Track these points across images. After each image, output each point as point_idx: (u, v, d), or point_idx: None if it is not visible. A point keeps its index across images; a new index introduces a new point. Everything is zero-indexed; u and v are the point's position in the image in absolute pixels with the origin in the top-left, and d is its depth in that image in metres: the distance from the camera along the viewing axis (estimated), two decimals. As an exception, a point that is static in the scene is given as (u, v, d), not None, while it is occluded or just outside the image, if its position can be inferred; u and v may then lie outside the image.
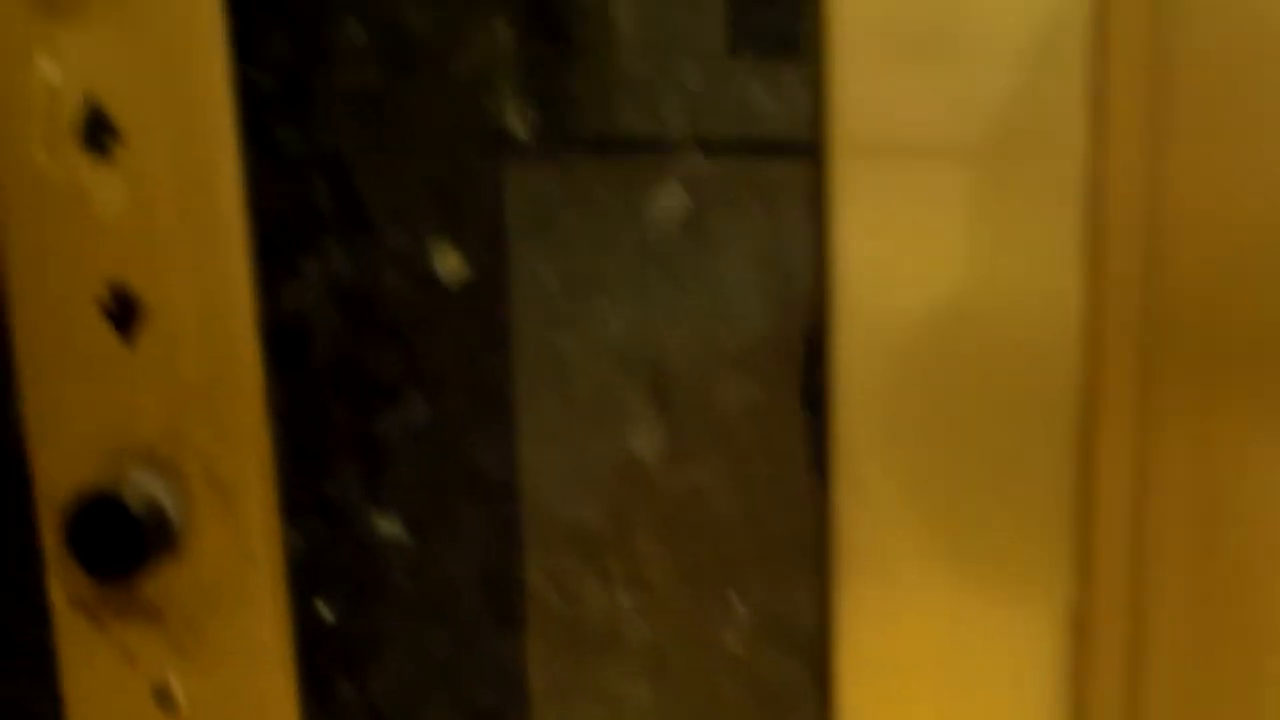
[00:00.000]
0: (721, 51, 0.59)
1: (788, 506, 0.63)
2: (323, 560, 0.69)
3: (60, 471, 0.69)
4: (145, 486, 0.68)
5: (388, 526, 0.68)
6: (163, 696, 0.70)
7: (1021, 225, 0.58)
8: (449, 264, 0.64)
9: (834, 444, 0.61)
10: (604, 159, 0.61)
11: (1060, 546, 0.60)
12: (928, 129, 0.58)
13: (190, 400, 0.67)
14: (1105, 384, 0.58)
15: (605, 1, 0.60)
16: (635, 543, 0.65)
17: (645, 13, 0.59)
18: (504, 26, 0.61)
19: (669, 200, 0.61)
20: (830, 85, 0.58)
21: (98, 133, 0.64)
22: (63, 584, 0.71)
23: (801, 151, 0.59)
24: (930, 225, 0.58)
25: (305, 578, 0.69)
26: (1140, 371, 0.58)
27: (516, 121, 0.61)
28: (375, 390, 0.66)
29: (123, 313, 0.66)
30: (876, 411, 0.61)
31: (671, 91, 0.60)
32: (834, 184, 0.59)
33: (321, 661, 0.69)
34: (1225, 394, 0.58)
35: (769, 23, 0.59)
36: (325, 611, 0.69)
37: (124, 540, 0.67)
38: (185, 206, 0.64)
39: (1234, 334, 0.57)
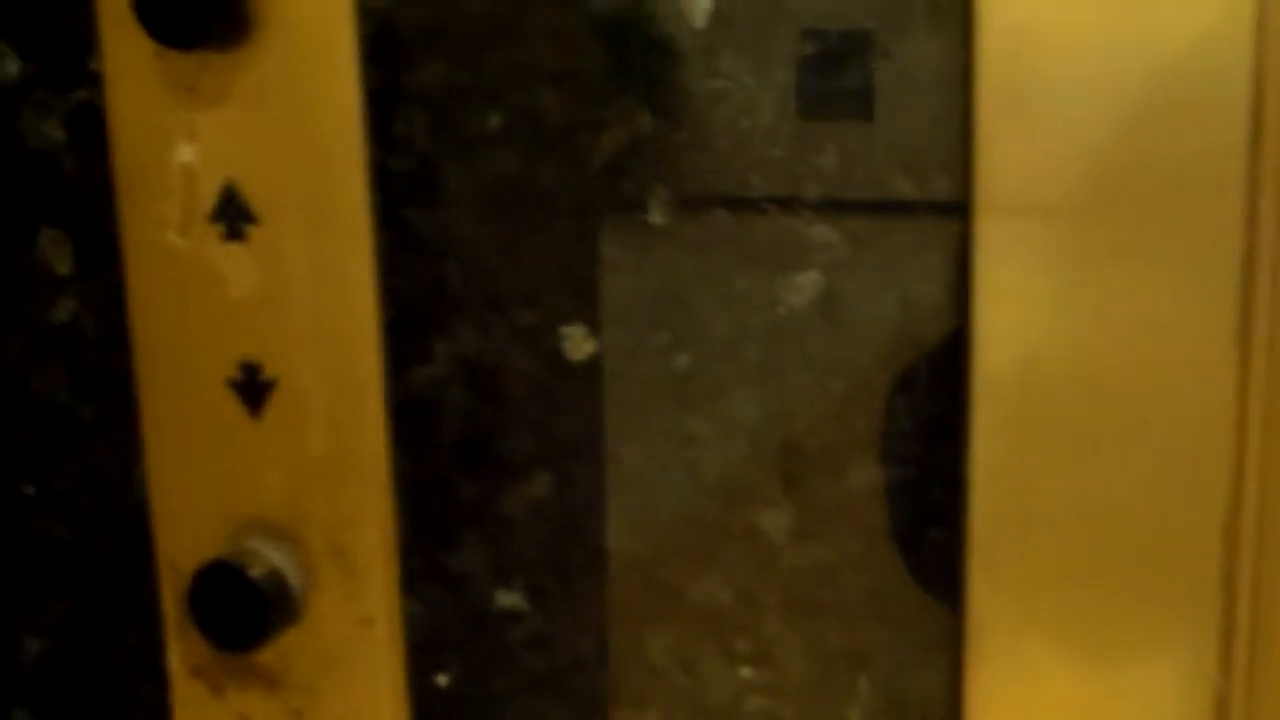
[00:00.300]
0: (861, 125, 0.60)
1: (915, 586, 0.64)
2: (442, 630, 0.69)
3: (184, 541, 0.70)
4: (268, 557, 0.69)
5: (508, 599, 0.69)
6: (282, 764, 0.71)
7: (1173, 292, 0.59)
8: (578, 344, 0.65)
9: (968, 523, 0.62)
10: (736, 240, 0.62)
11: (1204, 631, 0.61)
12: (1072, 188, 0.58)
13: (315, 473, 0.68)
14: (1254, 463, 0.59)
15: (739, 87, 0.60)
16: (761, 621, 0.66)
17: (780, 98, 0.60)
18: (638, 111, 0.62)
19: (802, 280, 0.62)
20: (975, 145, 0.59)
21: (233, 214, 0.65)
22: (182, 652, 0.72)
23: (937, 213, 0.60)
24: (1074, 291, 0.59)
25: (424, 647, 0.70)
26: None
27: (651, 204, 0.62)
28: (501, 466, 0.67)
29: (252, 388, 0.67)
30: (1012, 491, 0.61)
31: (805, 170, 0.61)
32: (978, 246, 0.59)
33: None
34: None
35: (874, 88, 0.59)
36: (442, 681, 0.70)
37: (246, 610, 0.68)
38: (317, 286, 0.65)
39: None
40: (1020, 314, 0.60)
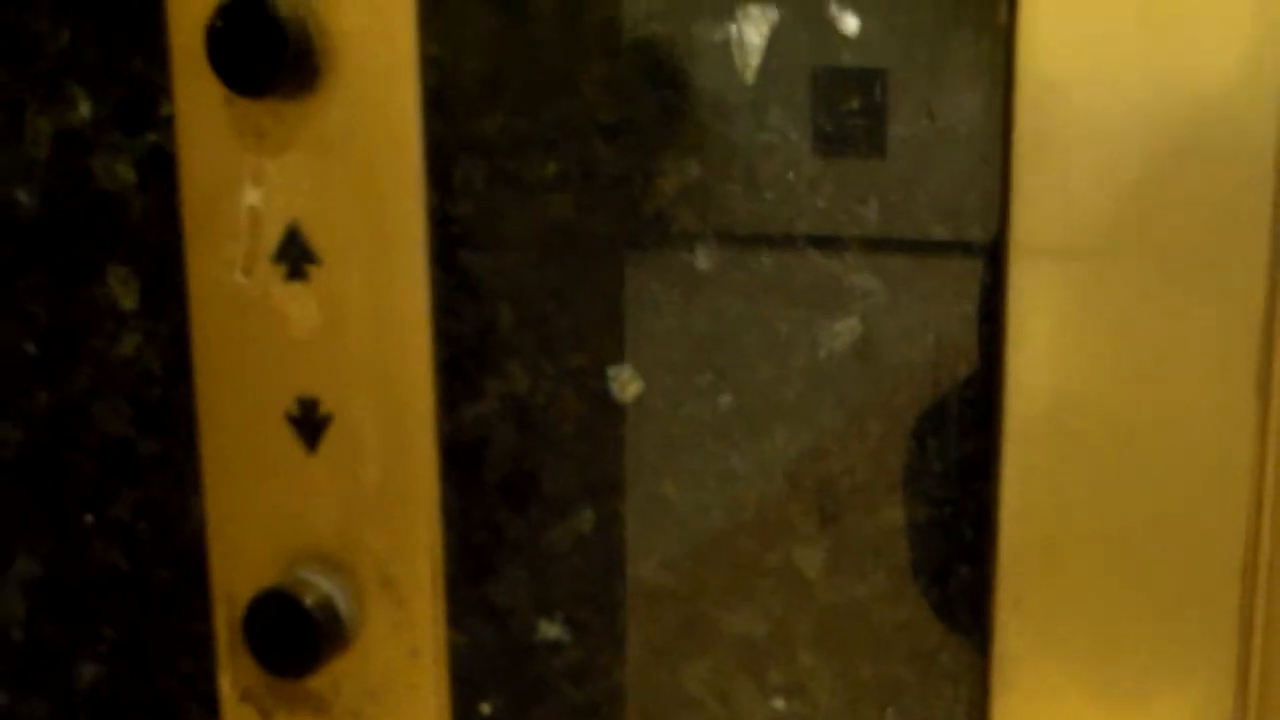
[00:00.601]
0: (899, 168, 0.63)
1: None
2: (485, 660, 0.72)
3: (238, 570, 0.73)
4: (320, 586, 0.72)
5: (550, 630, 0.71)
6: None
7: (1195, 338, 0.62)
8: (624, 384, 0.68)
9: (996, 561, 0.64)
10: (779, 286, 0.65)
11: (1222, 668, 0.63)
12: (1101, 232, 0.61)
13: (367, 506, 0.71)
14: (1271, 507, 0.62)
15: (785, 140, 0.64)
16: (794, 654, 0.68)
17: (823, 147, 0.63)
18: (687, 160, 0.65)
19: (841, 325, 0.65)
20: (1011, 187, 0.61)
21: (295, 255, 0.68)
22: (233, 677, 0.74)
23: (971, 255, 0.63)
24: (1100, 334, 0.62)
25: (468, 677, 0.72)
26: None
27: (697, 249, 0.65)
28: (546, 502, 0.70)
29: (309, 423, 0.70)
30: (1038, 529, 0.64)
31: (847, 218, 0.64)
32: (1010, 288, 0.63)
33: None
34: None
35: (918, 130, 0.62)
36: (486, 709, 0.73)
37: (299, 637, 0.71)
38: (375, 325, 0.68)
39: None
40: (1049, 356, 0.63)
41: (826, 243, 0.64)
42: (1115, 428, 0.63)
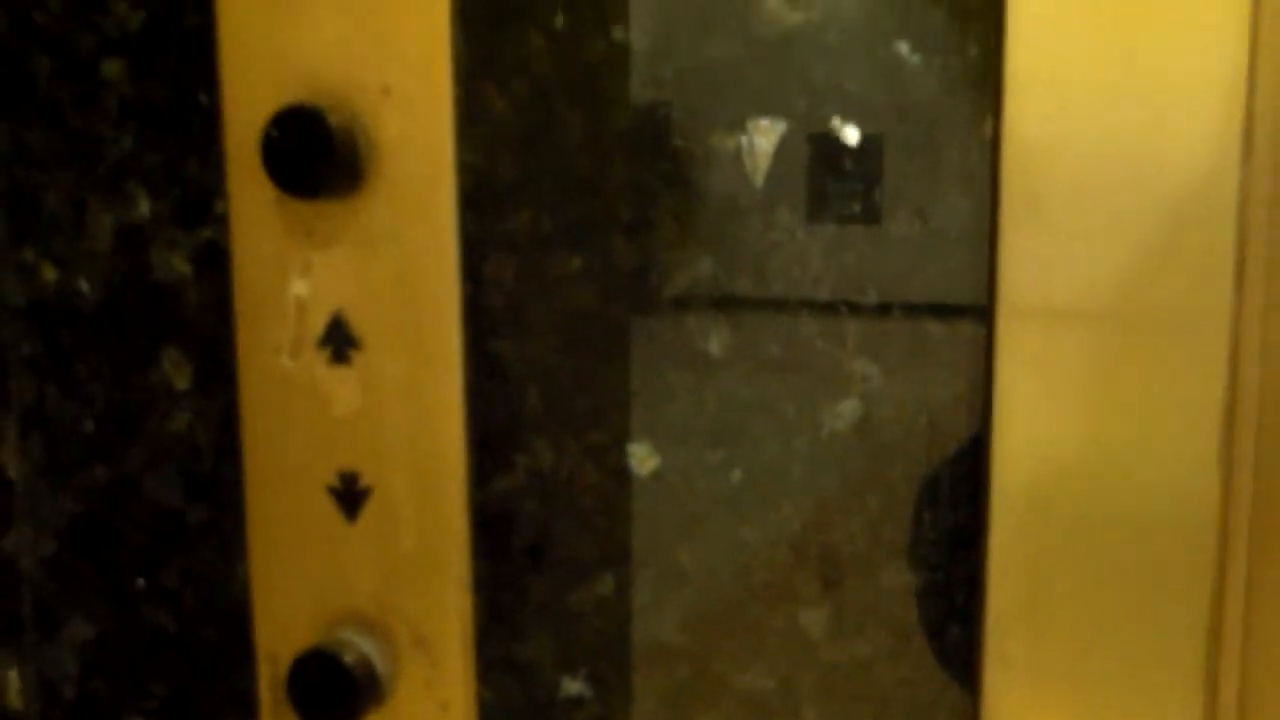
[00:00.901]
0: (896, 247, 0.70)
1: (942, 678, 0.73)
2: (512, 715, 0.78)
3: (281, 632, 0.79)
4: (358, 646, 0.78)
5: (572, 687, 0.77)
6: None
7: (1167, 391, 0.67)
8: (642, 460, 0.74)
9: (984, 620, 0.71)
10: (786, 371, 0.72)
11: (1191, 711, 0.69)
12: (1081, 293, 0.67)
13: (403, 572, 0.77)
14: (1234, 560, 0.68)
15: (791, 239, 0.70)
16: (800, 709, 0.75)
17: (827, 247, 0.70)
18: (701, 256, 0.71)
19: (843, 407, 0.71)
20: (997, 251, 0.67)
21: (339, 341, 0.74)
22: (274, 732, 0.80)
23: (965, 319, 0.69)
24: (1077, 400, 0.68)
25: (494, 730, 0.78)
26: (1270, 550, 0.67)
27: (711, 337, 0.72)
28: (569, 568, 0.76)
29: (349, 495, 0.76)
30: (1025, 582, 0.70)
31: (849, 310, 0.70)
32: (999, 347, 0.68)
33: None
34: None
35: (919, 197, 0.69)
36: (510, 760, 0.79)
37: (339, 693, 0.77)
38: (412, 405, 0.74)
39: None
40: (1033, 421, 0.69)
41: (829, 331, 0.71)
42: (1091, 495, 0.69)
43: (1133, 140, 0.66)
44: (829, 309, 0.70)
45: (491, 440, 0.74)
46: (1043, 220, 0.68)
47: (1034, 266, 0.68)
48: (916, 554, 0.71)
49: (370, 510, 0.75)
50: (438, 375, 0.74)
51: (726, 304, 0.71)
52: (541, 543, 0.75)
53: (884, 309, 0.69)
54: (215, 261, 0.74)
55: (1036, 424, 0.69)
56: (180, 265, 0.75)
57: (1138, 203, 0.66)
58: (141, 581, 0.80)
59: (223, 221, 0.74)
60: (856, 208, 0.68)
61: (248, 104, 0.73)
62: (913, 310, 0.69)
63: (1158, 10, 0.65)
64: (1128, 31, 0.65)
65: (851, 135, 0.68)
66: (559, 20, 0.70)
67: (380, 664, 0.77)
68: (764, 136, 0.69)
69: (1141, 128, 0.66)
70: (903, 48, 0.67)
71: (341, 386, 0.74)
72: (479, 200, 0.72)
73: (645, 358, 0.72)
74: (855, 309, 0.69)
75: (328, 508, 0.76)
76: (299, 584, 0.77)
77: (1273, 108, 0.65)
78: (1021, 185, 0.67)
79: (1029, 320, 0.68)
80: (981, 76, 0.67)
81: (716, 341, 0.71)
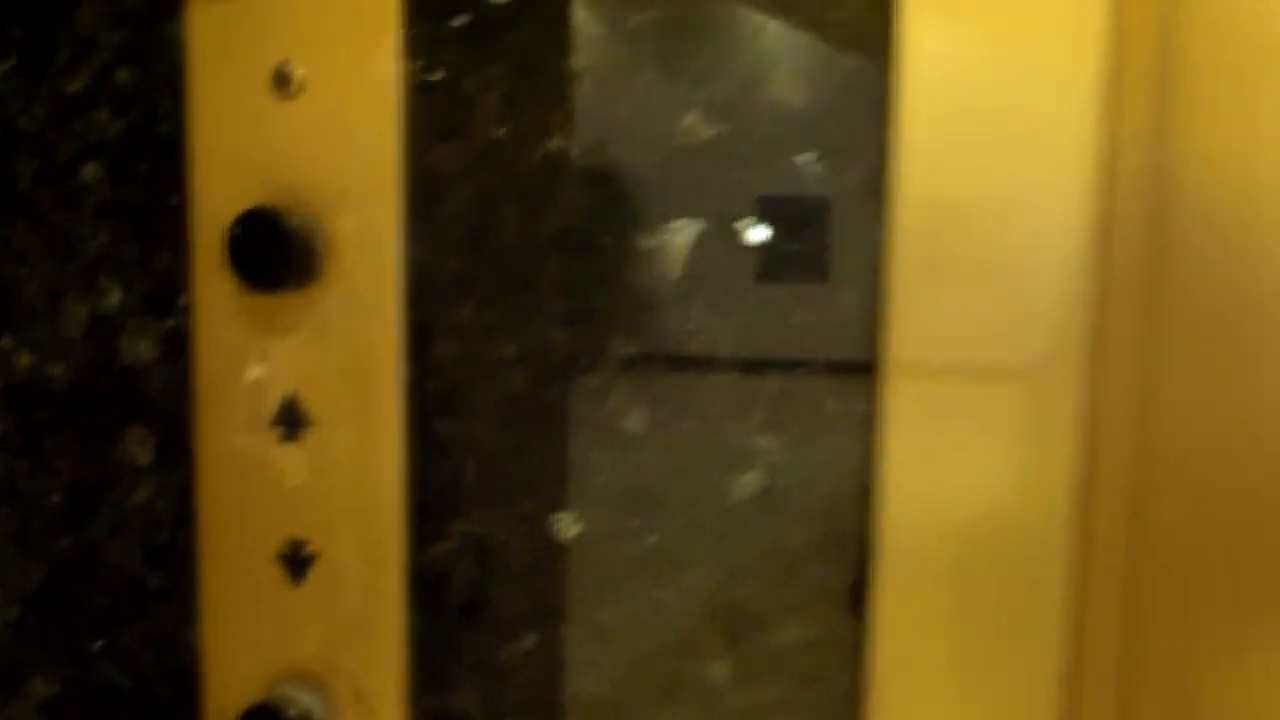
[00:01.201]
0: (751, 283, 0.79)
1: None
2: (443, 763, 0.86)
3: (229, 687, 0.86)
4: (301, 701, 0.86)
5: (500, 735, 0.85)
6: None
7: (1029, 443, 0.73)
8: (567, 527, 0.83)
9: (875, 641, 0.79)
10: (697, 444, 0.81)
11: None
12: (959, 348, 0.74)
13: (345, 631, 0.85)
14: (1092, 591, 0.76)
15: (704, 327, 0.80)
16: (711, 751, 0.83)
17: (740, 331, 0.80)
18: (627, 344, 0.81)
19: (747, 478, 0.81)
20: (886, 310, 0.75)
21: (291, 420, 0.82)
22: (221, 783, 0.87)
23: (851, 372, 0.78)
24: (957, 440, 0.74)
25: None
26: (1123, 585, 0.75)
27: (632, 415, 0.81)
28: (500, 626, 0.84)
29: (296, 561, 0.84)
30: (907, 637, 0.79)
31: (754, 389, 0.80)
32: (887, 403, 0.75)
33: None
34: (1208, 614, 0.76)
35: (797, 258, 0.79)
36: (442, 806, 0.86)
37: (283, 746, 0.84)
38: (357, 479, 0.83)
39: (1216, 570, 0.74)
40: (917, 478, 0.77)
41: (736, 407, 0.80)
42: (958, 547, 0.77)
43: (1007, 204, 0.73)
44: (738, 388, 0.79)
45: (431, 509, 0.82)
46: (928, 282, 0.75)
47: (919, 326, 0.75)
48: (814, 609, 0.81)
49: (316, 574, 0.83)
50: (382, 450, 0.82)
51: (647, 386, 0.80)
52: (474, 602, 0.83)
53: (787, 382, 0.79)
54: (179, 348, 0.82)
55: (920, 481, 0.77)
56: (146, 351, 0.83)
57: (1011, 261, 0.73)
58: (100, 643, 0.86)
59: (187, 312, 0.82)
60: (765, 297, 0.78)
61: (214, 205, 0.81)
62: (814, 380, 0.79)
63: (1026, 91, 0.73)
64: (1002, 113, 0.73)
65: (760, 233, 0.78)
66: (501, 132, 0.79)
67: (322, 717, 0.84)
68: (681, 235, 0.79)
69: (1014, 193, 0.73)
70: (804, 157, 0.77)
71: (292, 461, 0.82)
72: (425, 292, 0.80)
73: (571, 435, 0.81)
74: (760, 387, 0.79)
75: (276, 572, 0.83)
76: (247, 643, 0.85)
77: (1136, 170, 0.73)
78: (910, 252, 0.75)
79: (913, 379, 0.76)
80: (873, 174, 0.77)
81: (637, 420, 0.80)
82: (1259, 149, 0.72)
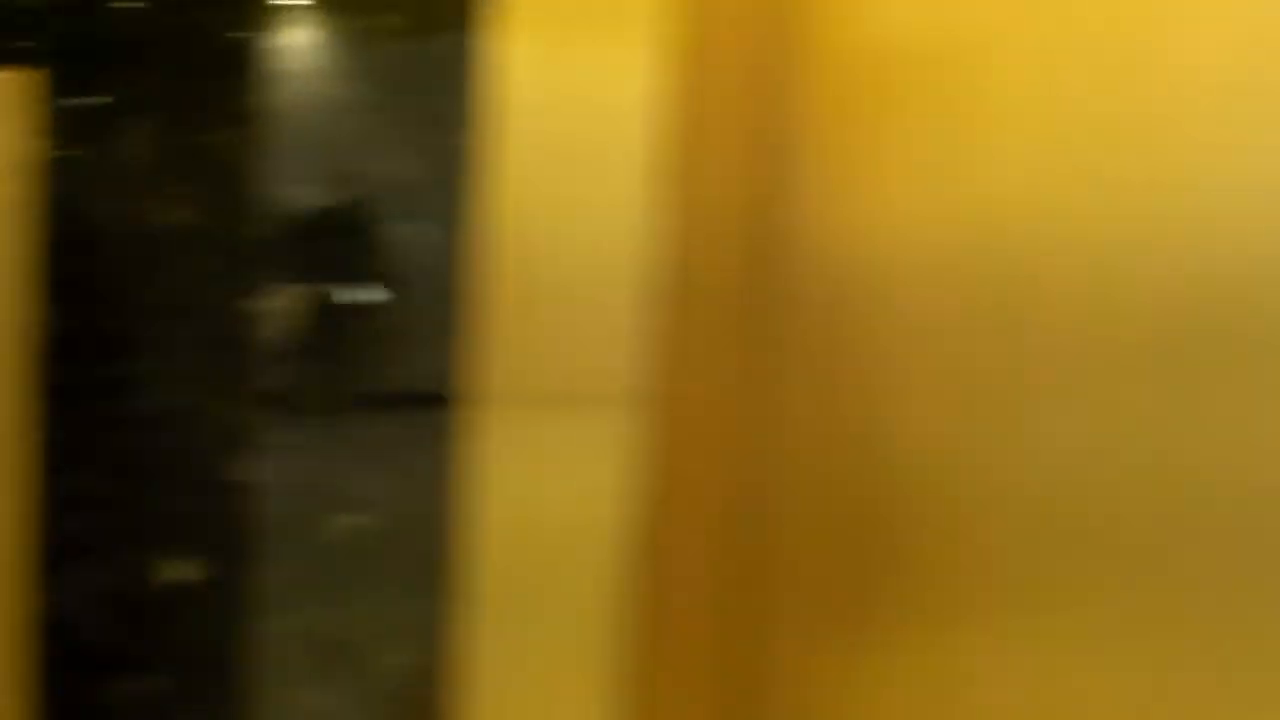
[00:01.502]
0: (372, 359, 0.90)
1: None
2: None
3: None
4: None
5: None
6: None
7: (604, 466, 0.79)
8: (185, 571, 0.92)
9: (463, 659, 0.89)
10: (298, 489, 0.92)
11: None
12: (541, 379, 0.79)
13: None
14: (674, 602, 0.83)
15: (308, 379, 0.91)
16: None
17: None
18: (234, 405, 0.91)
19: (342, 520, 0.92)
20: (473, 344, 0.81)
21: None
22: None
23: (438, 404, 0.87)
24: (540, 467, 0.81)
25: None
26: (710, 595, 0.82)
27: (248, 470, 0.91)
28: (119, 669, 0.92)
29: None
30: (489, 661, 0.89)
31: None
32: (472, 434, 0.82)
33: None
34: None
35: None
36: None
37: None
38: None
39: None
40: (499, 506, 0.84)
41: (335, 453, 0.91)
42: (544, 563, 0.87)
43: (585, 243, 0.79)
44: (341, 437, 0.90)
45: (54, 560, 0.91)
46: (515, 316, 0.80)
47: (504, 358, 0.80)
48: (406, 640, 0.91)
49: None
50: (3, 505, 0.90)
51: (254, 439, 0.90)
52: (94, 648, 0.91)
53: (380, 424, 0.90)
54: None
55: (502, 510, 0.84)
56: None
57: (588, 295, 0.79)
58: None
59: None
60: (365, 349, 0.90)
61: None
62: (407, 415, 0.90)
63: (604, 134, 0.79)
64: (578, 153, 0.79)
65: (356, 295, 0.90)
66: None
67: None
68: (287, 300, 0.90)
69: (590, 231, 0.79)
70: (405, 226, 0.90)
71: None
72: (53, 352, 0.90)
73: (190, 487, 0.91)
74: (356, 430, 0.90)
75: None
76: None
77: (732, 216, 0.79)
78: (499, 289, 0.80)
79: (497, 408, 0.82)
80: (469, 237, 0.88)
81: (243, 470, 0.90)
82: (869, 205, 0.77)
